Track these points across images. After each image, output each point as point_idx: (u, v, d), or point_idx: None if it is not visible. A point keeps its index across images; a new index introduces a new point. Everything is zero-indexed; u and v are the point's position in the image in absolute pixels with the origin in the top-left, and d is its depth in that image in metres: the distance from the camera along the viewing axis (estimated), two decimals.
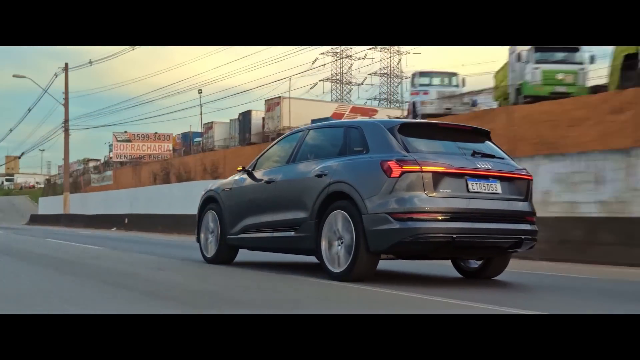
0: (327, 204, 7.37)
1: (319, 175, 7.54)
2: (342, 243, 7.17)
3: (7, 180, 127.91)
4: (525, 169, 7.64)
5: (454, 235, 6.75)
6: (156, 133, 69.31)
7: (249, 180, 8.83)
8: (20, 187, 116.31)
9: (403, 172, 6.79)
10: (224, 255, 9.15)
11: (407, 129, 7.31)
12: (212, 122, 59.62)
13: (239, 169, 9.29)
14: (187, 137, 66.21)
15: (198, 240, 9.65)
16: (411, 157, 6.89)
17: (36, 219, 54.53)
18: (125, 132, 68.40)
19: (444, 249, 6.89)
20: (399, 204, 6.76)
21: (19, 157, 67.73)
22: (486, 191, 7.10)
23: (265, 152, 9.07)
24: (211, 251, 9.30)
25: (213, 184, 9.66)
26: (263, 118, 50.82)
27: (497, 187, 7.18)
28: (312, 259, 8.54)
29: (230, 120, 57.14)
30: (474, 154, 7.26)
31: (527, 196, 7.46)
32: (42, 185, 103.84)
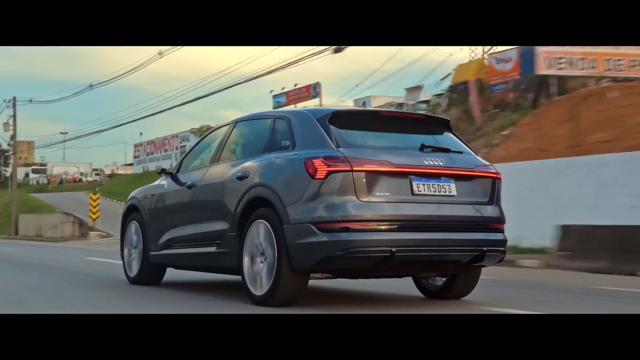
0: (249, 213, 6.08)
1: (240, 178, 6.25)
2: (264, 260, 5.88)
3: (34, 171, 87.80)
4: (491, 165, 6.30)
5: (394, 249, 5.44)
6: None
7: (172, 185, 7.54)
8: (60, 181, 77.95)
9: (330, 173, 5.50)
10: (148, 275, 7.84)
11: (340, 119, 6.00)
12: None
13: (157, 172, 8.02)
14: None
15: (121, 256, 8.36)
16: (340, 153, 5.59)
17: None
18: None
19: (384, 265, 5.57)
20: (326, 211, 5.46)
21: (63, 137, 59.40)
22: (436, 193, 5.78)
23: (190, 150, 7.78)
24: (134, 270, 7.99)
25: (137, 191, 8.36)
26: None
27: (451, 188, 5.86)
28: None
29: None
30: (423, 147, 5.95)
31: (492, 199, 6.12)
32: (93, 178, 79.84)
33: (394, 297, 7.10)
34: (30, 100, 48.16)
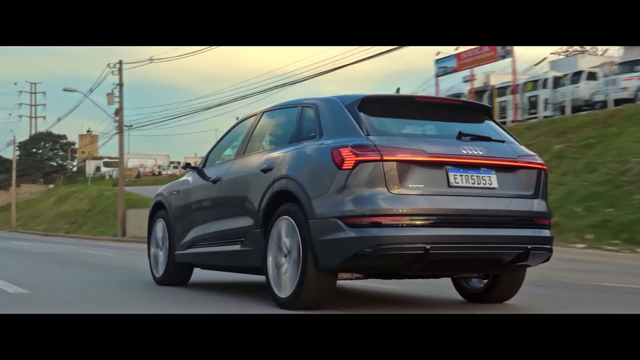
0: (274, 208, 5.68)
1: (264, 170, 5.85)
2: (289, 259, 5.46)
3: (106, 164, 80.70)
4: (536, 155, 5.77)
5: (428, 246, 4.97)
6: None
7: (198, 180, 7.17)
8: (138, 174, 71.79)
9: (358, 162, 5.06)
10: (174, 275, 7.48)
11: (371, 106, 5.55)
12: None
13: (182, 166, 7.67)
14: None
15: (148, 256, 8.02)
16: (370, 142, 5.15)
17: None
18: None
19: (417, 264, 5.10)
20: (354, 204, 5.02)
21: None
22: (475, 185, 5.30)
23: (217, 143, 7.41)
24: (160, 270, 7.64)
25: (164, 187, 8.02)
26: None
27: (491, 179, 5.37)
28: None
29: None
30: (461, 135, 5.46)
31: (537, 192, 5.60)
32: (172, 172, 72.01)
33: (429, 299, 6.63)
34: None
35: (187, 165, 7.48)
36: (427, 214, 5.07)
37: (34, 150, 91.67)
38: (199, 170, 7.20)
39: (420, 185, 5.12)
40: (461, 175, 5.26)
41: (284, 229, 5.51)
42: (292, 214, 5.40)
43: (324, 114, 5.65)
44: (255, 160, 6.15)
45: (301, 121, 5.90)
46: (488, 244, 5.27)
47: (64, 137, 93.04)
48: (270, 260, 5.66)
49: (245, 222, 6.05)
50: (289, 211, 5.44)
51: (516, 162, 5.50)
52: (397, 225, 4.99)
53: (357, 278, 5.74)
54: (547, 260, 5.71)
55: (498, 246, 5.31)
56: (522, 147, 5.75)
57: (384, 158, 5.05)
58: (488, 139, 5.57)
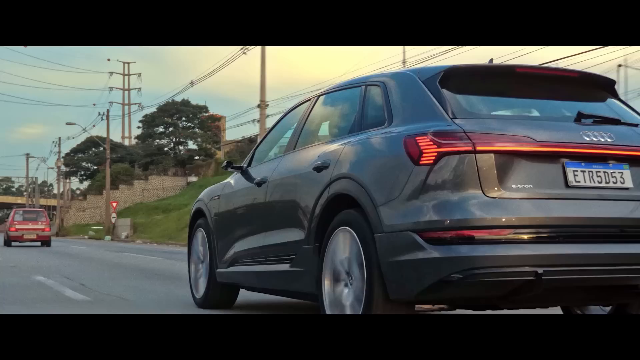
0: (330, 216, 4.38)
1: (318, 169, 4.56)
2: (351, 284, 4.15)
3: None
4: None
5: (540, 270, 3.57)
6: None
7: (241, 182, 5.91)
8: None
9: (442, 155, 3.72)
10: (216, 297, 6.22)
11: (457, 80, 4.17)
12: None
13: (222, 165, 6.42)
14: None
15: (188, 272, 6.81)
16: (457, 127, 3.79)
17: None
18: None
19: (525, 293, 3.70)
20: (437, 213, 3.67)
21: None
22: (602, 184, 3.88)
23: (264, 137, 6.14)
24: (200, 290, 6.40)
25: (205, 191, 6.77)
26: None
27: (624, 176, 3.93)
28: None
29: None
30: (581, 117, 4.04)
31: None
32: None
33: None
34: None
35: (229, 165, 6.19)
36: (538, 225, 3.67)
37: (162, 128, 65.23)
38: (243, 170, 5.94)
39: (528, 186, 3.73)
40: (583, 172, 3.85)
41: (343, 245, 4.21)
42: (353, 225, 4.09)
43: (395, 93, 4.31)
44: (308, 156, 4.86)
45: (365, 104, 4.57)
46: (621, 265, 3.82)
47: (204, 108, 65.22)
48: (326, 285, 4.37)
49: (294, 235, 4.77)
50: (349, 221, 4.14)
51: None
52: (496, 242, 3.61)
53: (440, 310, 4.38)
54: None
55: (635, 268, 3.86)
56: None
57: (478, 148, 3.69)
58: (617, 122, 4.13)
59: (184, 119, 64.67)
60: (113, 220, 48.26)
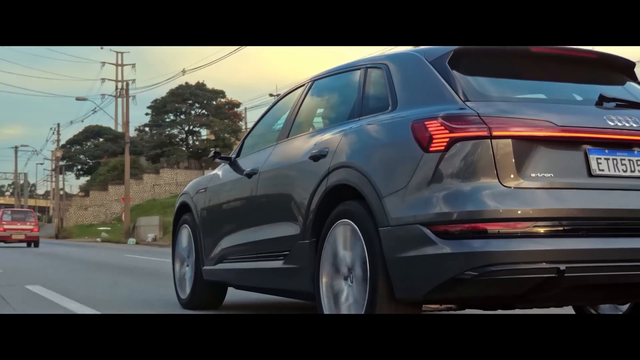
0: (328, 209, 4.05)
1: (315, 157, 4.22)
2: (351, 283, 3.82)
3: None
4: None
5: (562, 266, 3.25)
6: None
7: (229, 174, 5.56)
8: None
9: (453, 141, 3.39)
10: (202, 297, 5.87)
11: (469, 60, 3.85)
12: None
13: (209, 156, 6.05)
14: None
15: (173, 271, 6.45)
16: (471, 110, 3.46)
17: None
18: None
19: (545, 292, 3.38)
20: (448, 204, 3.34)
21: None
22: (628, 173, 3.57)
23: (254, 125, 5.79)
24: (186, 289, 6.04)
25: (191, 183, 6.41)
26: None
27: None
28: None
29: None
30: (603, 100, 3.73)
31: None
32: None
33: None
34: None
35: (217, 155, 5.82)
36: (559, 217, 3.35)
37: (173, 116, 58.28)
38: (232, 161, 5.59)
39: (548, 175, 3.41)
40: (607, 159, 3.53)
41: (343, 239, 3.88)
42: (355, 218, 3.76)
43: (400, 75, 3.98)
44: (303, 144, 4.52)
45: (365, 88, 4.23)
46: None
47: (222, 93, 59.00)
48: (324, 283, 4.04)
49: (288, 229, 4.43)
50: (350, 213, 3.81)
51: None
52: (514, 236, 3.28)
53: (448, 310, 4.05)
54: None
55: None
56: None
57: (493, 133, 3.36)
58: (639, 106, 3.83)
59: (197, 105, 57.65)
60: (123, 218, 41.58)
